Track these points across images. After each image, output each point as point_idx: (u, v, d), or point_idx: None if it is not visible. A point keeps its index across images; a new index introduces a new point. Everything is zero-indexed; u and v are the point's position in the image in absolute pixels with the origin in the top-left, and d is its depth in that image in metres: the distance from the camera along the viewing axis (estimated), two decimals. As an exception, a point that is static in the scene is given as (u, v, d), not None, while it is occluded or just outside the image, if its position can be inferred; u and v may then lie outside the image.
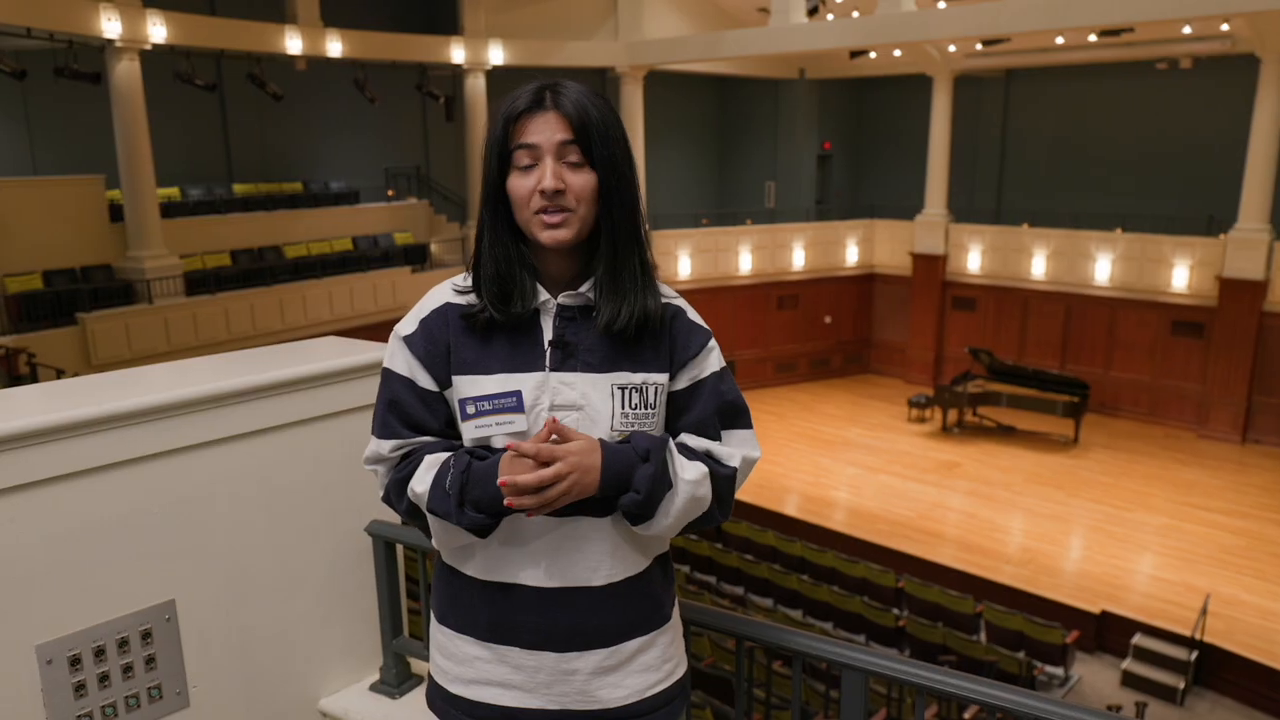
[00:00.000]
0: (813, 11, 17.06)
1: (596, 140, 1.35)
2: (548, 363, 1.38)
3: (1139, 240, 16.78)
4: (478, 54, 17.09)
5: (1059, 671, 9.56)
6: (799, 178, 21.71)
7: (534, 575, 1.40)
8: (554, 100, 1.35)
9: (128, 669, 1.77)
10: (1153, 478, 14.28)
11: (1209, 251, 15.86)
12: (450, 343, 1.41)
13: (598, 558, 1.40)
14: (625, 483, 1.34)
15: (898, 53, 18.71)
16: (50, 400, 1.83)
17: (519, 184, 1.36)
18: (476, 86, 17.21)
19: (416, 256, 17.10)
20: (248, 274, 14.74)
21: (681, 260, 19.10)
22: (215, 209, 15.61)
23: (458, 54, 16.93)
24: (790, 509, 13.43)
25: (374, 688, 2.23)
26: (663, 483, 1.36)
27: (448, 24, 17.43)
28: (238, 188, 16.26)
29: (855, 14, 17.29)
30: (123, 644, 1.76)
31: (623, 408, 1.39)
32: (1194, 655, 9.56)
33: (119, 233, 13.74)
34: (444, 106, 16.91)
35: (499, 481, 1.28)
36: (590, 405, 1.38)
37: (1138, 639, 9.92)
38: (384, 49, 16.16)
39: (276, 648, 2.07)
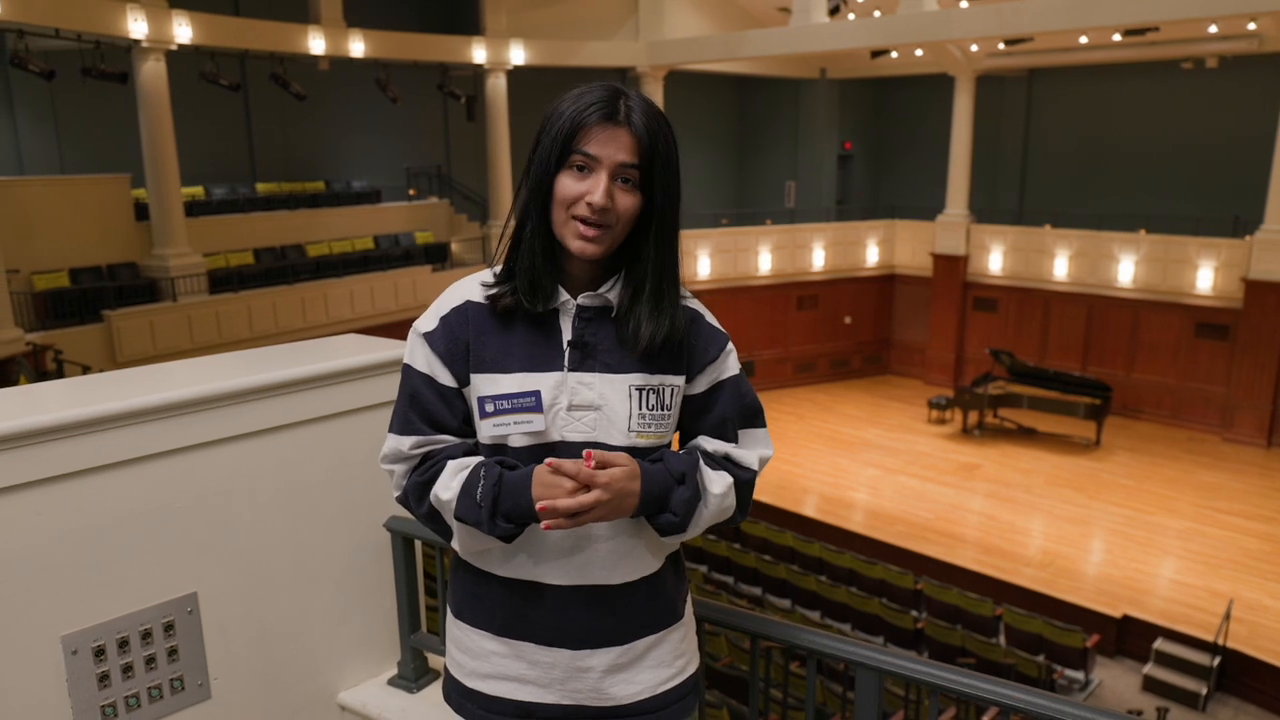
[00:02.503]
0: (834, 11, 17.02)
1: (658, 167, 1.36)
2: (566, 363, 1.39)
3: (1163, 241, 16.62)
4: (499, 54, 17.15)
5: (1079, 675, 9.50)
6: (819, 178, 21.65)
7: (551, 573, 1.41)
8: (627, 116, 1.34)
9: (150, 660, 1.80)
10: (1176, 481, 14.14)
11: (1234, 253, 15.69)
12: (470, 340, 1.41)
13: (613, 558, 1.42)
14: (662, 505, 1.37)
15: (919, 52, 18.61)
16: (75, 396, 1.86)
17: (568, 185, 1.34)
18: (498, 86, 17.27)
19: (437, 255, 17.19)
20: (270, 272, 14.86)
21: (701, 260, 19.09)
22: (239, 208, 15.75)
23: (479, 54, 17.00)
24: (809, 509, 13.40)
25: (392, 682, 2.25)
26: (696, 500, 1.40)
27: (469, 24, 17.50)
28: (261, 187, 16.39)
29: (877, 14, 17.24)
30: (146, 636, 1.79)
31: (639, 409, 1.40)
32: (1216, 660, 9.47)
33: (144, 231, 13.89)
34: (465, 106, 16.98)
35: (538, 507, 1.28)
36: (608, 405, 1.39)
37: (1159, 644, 9.84)
38: (406, 49, 16.25)
39: (296, 641, 2.09)
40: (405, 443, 1.42)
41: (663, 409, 1.41)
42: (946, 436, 16.54)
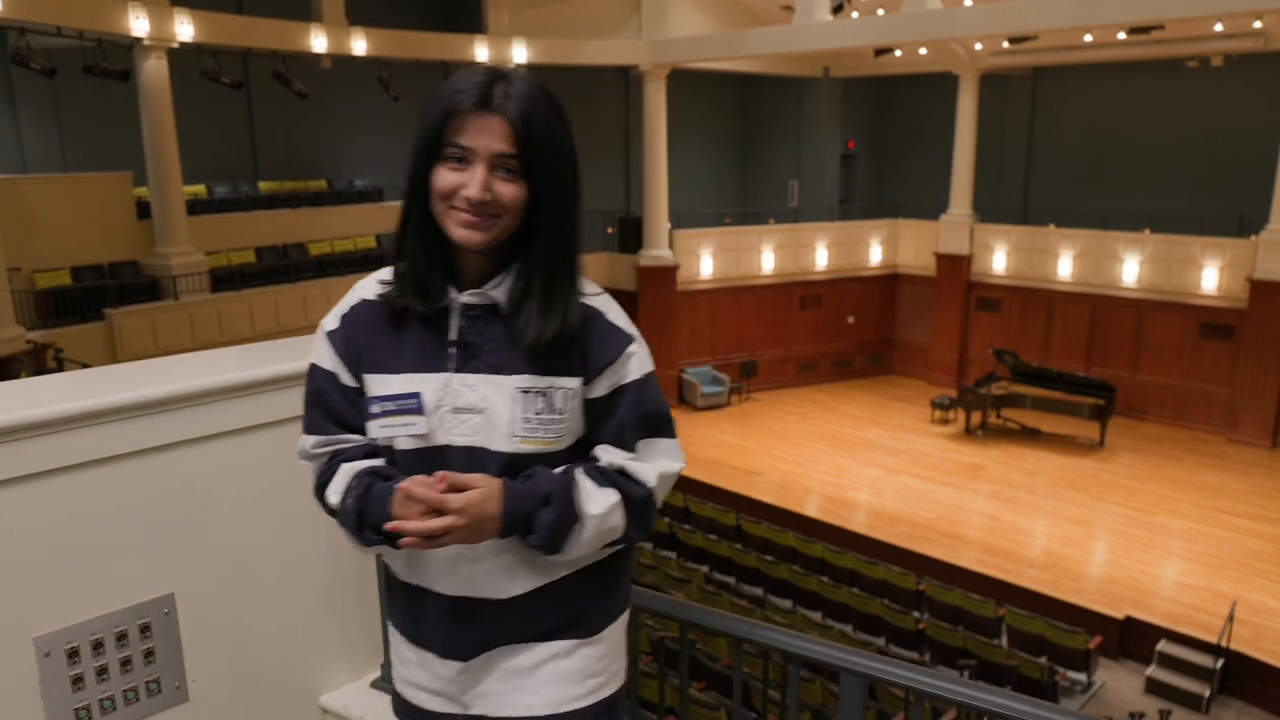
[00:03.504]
0: (837, 9, 16.96)
1: (538, 154, 1.28)
2: (452, 363, 1.34)
3: (1167, 241, 16.56)
4: (501, 52, 17.12)
5: (1081, 677, 9.46)
6: (822, 177, 21.61)
7: (441, 582, 1.37)
8: (501, 103, 1.27)
9: (126, 663, 1.77)
10: (1179, 482, 14.08)
11: (1239, 252, 15.62)
12: (364, 340, 1.38)
13: (500, 570, 1.36)
14: (527, 527, 1.30)
15: (923, 51, 18.57)
16: (53, 393, 1.83)
17: (445, 177, 1.29)
18: (500, 85, 17.24)
19: (439, 254, 17.13)
20: (272, 271, 14.87)
21: (704, 259, 19.05)
22: (241, 206, 15.75)
23: (481, 52, 16.98)
24: (811, 510, 13.36)
25: (375, 685, 2.22)
26: (567, 521, 1.31)
27: (472, 22, 17.48)
28: (263, 185, 16.39)
29: (880, 12, 17.18)
30: (121, 638, 1.76)
31: (525, 412, 1.33)
32: (1220, 662, 9.42)
33: (146, 230, 13.89)
34: (467, 105, 16.93)
35: (387, 526, 1.25)
36: (491, 409, 1.33)
37: (1162, 645, 9.80)
38: (408, 47, 16.23)
39: (277, 643, 2.06)
40: (309, 442, 1.41)
41: (552, 413, 1.34)
42: (949, 437, 16.50)
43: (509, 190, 1.28)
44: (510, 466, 1.33)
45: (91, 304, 12.61)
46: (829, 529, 12.57)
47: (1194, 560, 11.59)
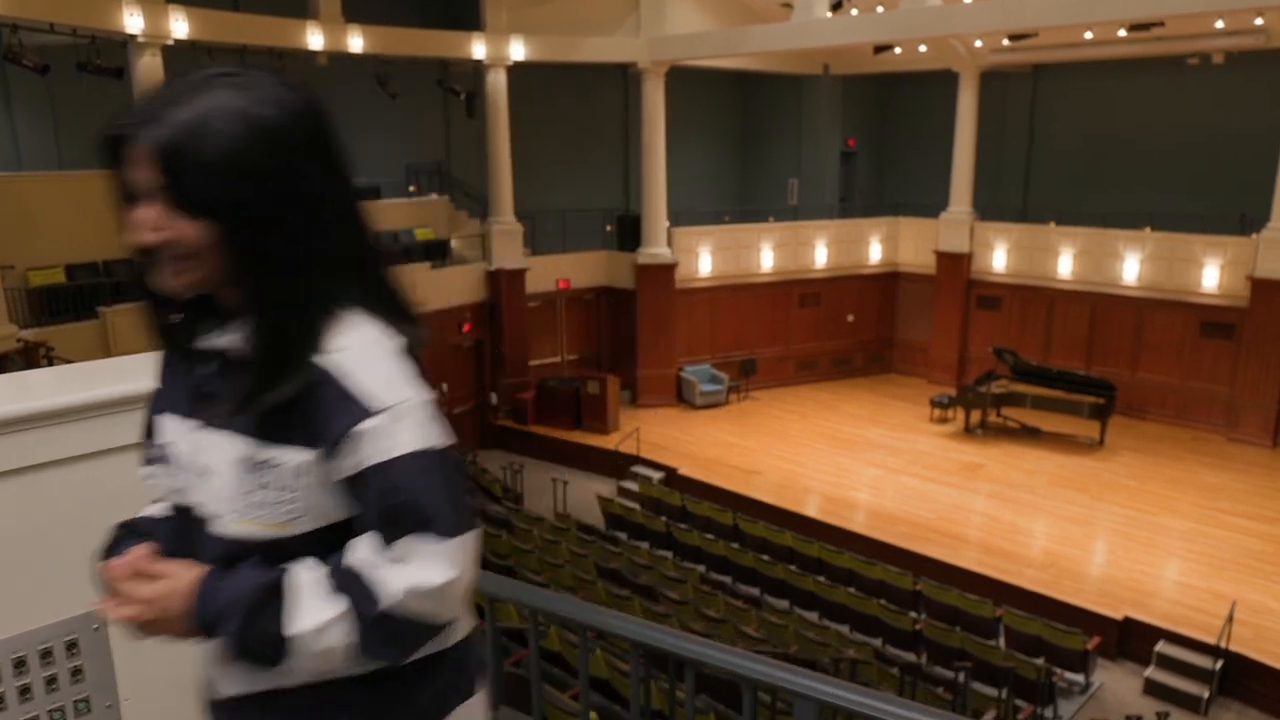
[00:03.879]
0: (836, 6, 16.87)
1: (194, 184, 1.05)
2: (195, 416, 1.18)
3: (1168, 239, 16.45)
4: (499, 50, 17.05)
5: (1079, 678, 9.40)
6: (822, 175, 21.52)
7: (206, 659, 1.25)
8: (150, 126, 1.05)
9: (51, 681, 1.70)
10: (1179, 482, 13.99)
11: (1240, 251, 15.51)
12: (163, 374, 1.27)
13: (221, 665, 1.20)
14: (216, 635, 1.11)
15: (923, 48, 18.47)
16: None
17: (129, 219, 1.10)
18: (498, 82, 17.17)
19: (437, 252, 17.11)
20: (268, 269, 14.79)
21: (703, 257, 18.98)
22: (237, 204, 15.68)
23: (479, 50, 16.91)
24: (810, 509, 13.29)
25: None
26: (258, 634, 1.08)
27: (470, 19, 17.39)
28: (259, 183, 16.31)
29: (880, 9, 17.09)
30: (45, 655, 1.68)
31: (243, 487, 1.11)
32: (1219, 664, 9.35)
33: (141, 228, 13.81)
34: (465, 102, 16.89)
35: (90, 604, 1.17)
36: (216, 476, 1.13)
37: (1161, 646, 9.72)
38: (405, 44, 16.16)
39: (219, 658, 1.99)
40: (141, 473, 1.30)
41: (279, 489, 1.10)
42: (949, 436, 16.41)
43: (186, 229, 1.07)
44: (231, 551, 1.12)
45: (86, 302, 12.55)
46: (829, 529, 12.49)
47: (1194, 560, 11.50)
